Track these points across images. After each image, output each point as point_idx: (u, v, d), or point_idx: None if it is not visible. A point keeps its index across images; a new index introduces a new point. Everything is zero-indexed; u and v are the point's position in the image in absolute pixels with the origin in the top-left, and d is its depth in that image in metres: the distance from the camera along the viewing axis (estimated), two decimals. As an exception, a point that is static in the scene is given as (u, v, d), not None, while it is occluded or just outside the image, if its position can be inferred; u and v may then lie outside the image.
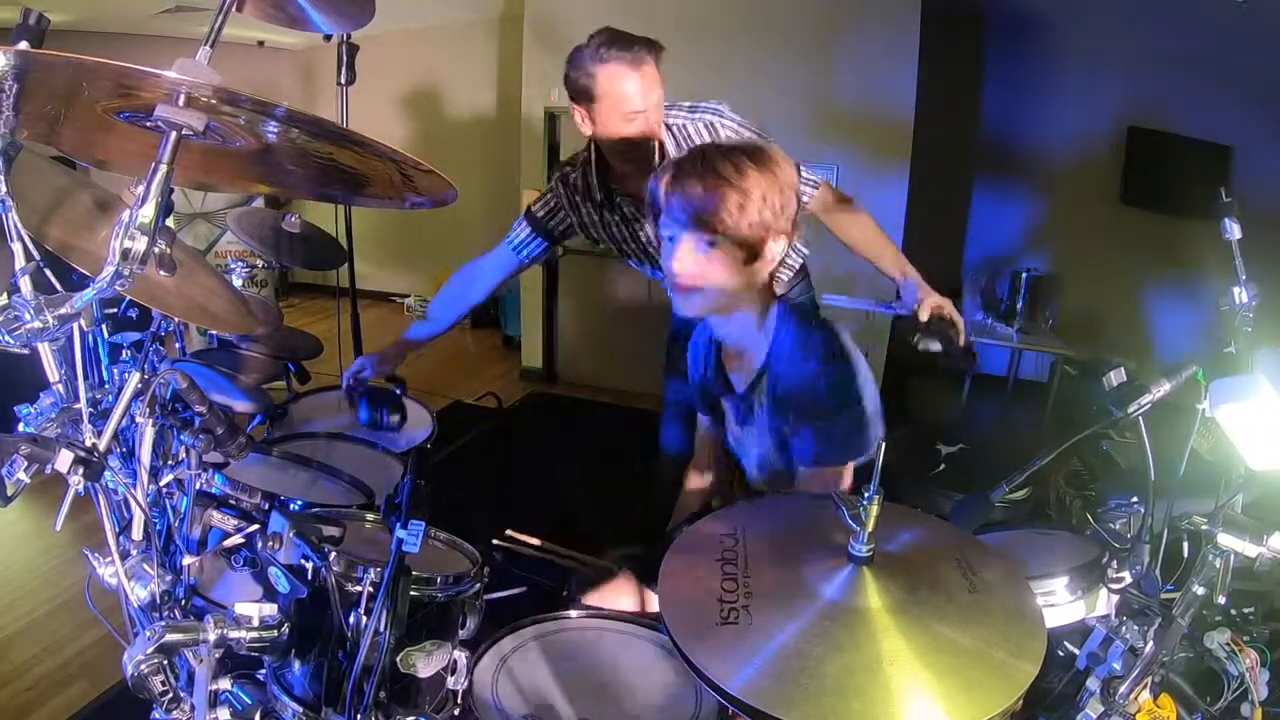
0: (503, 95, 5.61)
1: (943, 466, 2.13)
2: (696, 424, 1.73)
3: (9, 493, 0.89)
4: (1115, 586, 1.17)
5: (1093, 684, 1.09)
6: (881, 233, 1.92)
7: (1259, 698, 1.14)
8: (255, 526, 1.26)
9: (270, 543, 1.06)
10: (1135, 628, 1.08)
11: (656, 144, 1.75)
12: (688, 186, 1.26)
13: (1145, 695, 1.07)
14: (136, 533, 1.20)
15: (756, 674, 0.78)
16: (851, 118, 3.93)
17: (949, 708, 0.75)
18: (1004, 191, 4.57)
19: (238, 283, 2.82)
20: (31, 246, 0.99)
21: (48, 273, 1.01)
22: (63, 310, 0.84)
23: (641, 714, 1.11)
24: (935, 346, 1.57)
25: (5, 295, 0.86)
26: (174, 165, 0.82)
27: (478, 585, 1.15)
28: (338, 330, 3.50)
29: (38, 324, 0.83)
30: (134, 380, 1.09)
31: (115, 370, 1.37)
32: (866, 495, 0.88)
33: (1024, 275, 4.15)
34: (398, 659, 1.03)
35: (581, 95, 1.71)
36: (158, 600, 1.18)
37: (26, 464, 0.88)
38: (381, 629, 0.94)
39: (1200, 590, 1.05)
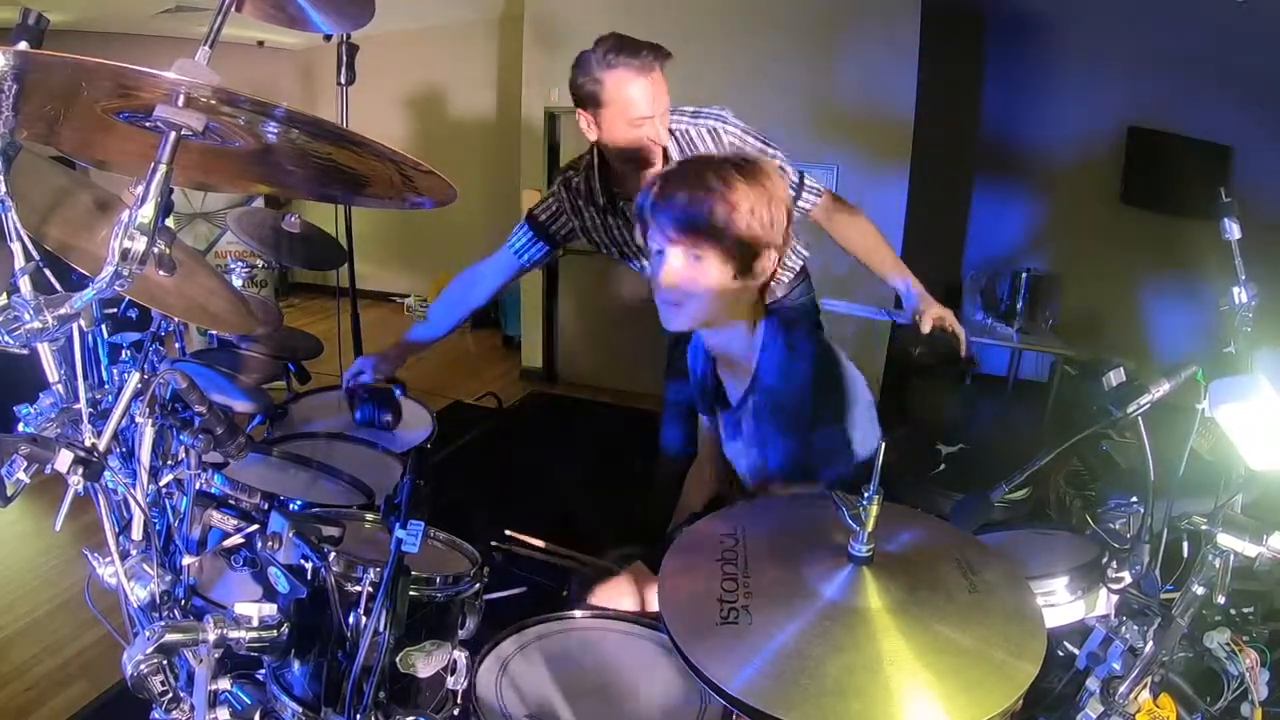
0: (503, 95, 5.61)
1: (943, 466, 2.13)
2: (697, 424, 1.73)
3: (9, 493, 0.89)
4: (1115, 586, 1.17)
5: (1092, 684, 1.09)
6: (884, 241, 1.92)
7: (1259, 698, 1.13)
8: (255, 526, 1.26)
9: (270, 543, 1.06)
10: (1135, 628, 1.08)
11: (660, 149, 1.75)
12: (675, 199, 1.24)
13: (1145, 695, 1.07)
14: (136, 533, 1.20)
15: (756, 674, 0.78)
16: (851, 118, 3.93)
17: (949, 708, 0.75)
18: (1004, 191, 4.57)
19: (238, 283, 2.82)
20: (31, 246, 0.99)
21: (47, 273, 1.00)
22: (62, 310, 0.85)
23: (645, 715, 1.11)
24: (931, 358, 1.56)
25: (5, 295, 0.86)
26: (173, 165, 0.82)
27: (477, 585, 1.15)
28: (338, 330, 3.50)
29: (37, 324, 0.83)
30: (134, 380, 1.09)
31: (115, 370, 1.36)
32: (866, 495, 0.88)
33: (1024, 275, 4.15)
34: (397, 659, 1.03)
35: (588, 100, 1.70)
36: (157, 600, 1.18)
37: (26, 464, 0.88)
38: (381, 629, 0.94)
39: (1200, 590, 1.05)
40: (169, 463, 1.31)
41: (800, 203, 1.88)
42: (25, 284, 0.96)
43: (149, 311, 1.21)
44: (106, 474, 1.10)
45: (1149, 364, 1.77)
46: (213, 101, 0.80)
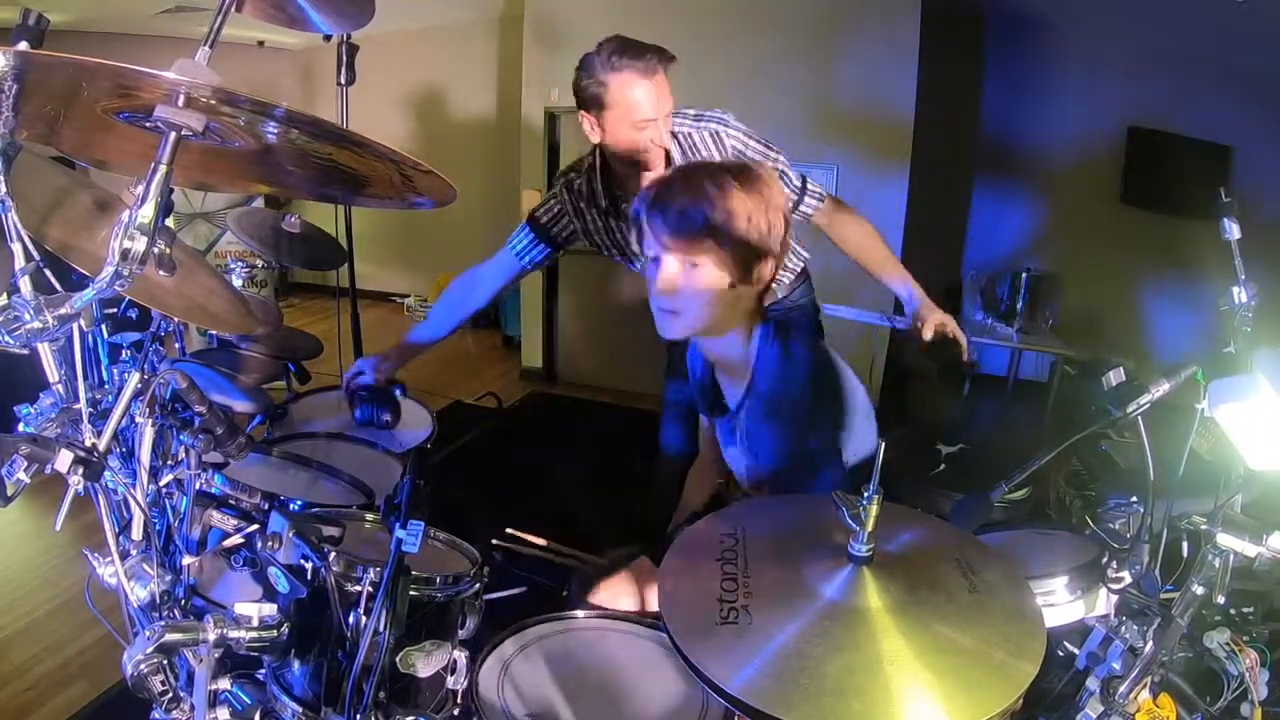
0: (503, 95, 5.61)
1: (943, 466, 2.13)
2: (697, 424, 1.73)
3: (9, 493, 0.89)
4: (1115, 586, 1.17)
5: (1092, 684, 1.09)
6: (885, 246, 1.92)
7: (1258, 697, 1.13)
8: (255, 526, 1.26)
9: (270, 543, 1.06)
10: (1135, 627, 1.08)
11: (663, 152, 1.75)
12: (671, 206, 1.23)
13: (1145, 695, 1.07)
14: (136, 533, 1.20)
15: (756, 674, 0.78)
16: (851, 118, 3.93)
17: (949, 708, 0.75)
18: (1004, 191, 4.57)
19: (238, 283, 2.82)
20: (31, 246, 0.99)
21: (47, 273, 1.01)
22: (62, 310, 0.85)
23: (646, 715, 1.11)
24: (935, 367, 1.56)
25: (5, 295, 0.86)
26: (173, 165, 0.82)
27: (477, 585, 1.15)
28: (338, 330, 3.50)
29: (37, 324, 0.83)
30: (134, 380, 1.09)
31: (115, 370, 1.36)
32: (866, 495, 0.88)
33: (1024, 275, 4.15)
34: (397, 659, 1.03)
35: (591, 103, 1.70)
36: (157, 600, 1.19)
37: (26, 464, 0.88)
38: (381, 629, 0.94)
39: (1200, 590, 1.05)
40: (169, 463, 1.31)
41: (802, 207, 1.88)
42: (25, 284, 0.96)
43: (149, 311, 1.21)
44: (106, 474, 1.10)
45: (1149, 364, 1.77)
46: (213, 102, 0.80)
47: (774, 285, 1.36)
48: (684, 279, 1.26)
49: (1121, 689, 1.05)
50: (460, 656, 1.12)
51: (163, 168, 0.81)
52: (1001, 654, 0.82)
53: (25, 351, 0.92)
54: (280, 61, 6.16)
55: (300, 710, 1.05)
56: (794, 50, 3.98)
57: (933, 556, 0.96)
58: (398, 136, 5.84)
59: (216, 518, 1.28)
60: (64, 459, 0.91)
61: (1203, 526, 1.05)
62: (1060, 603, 1.22)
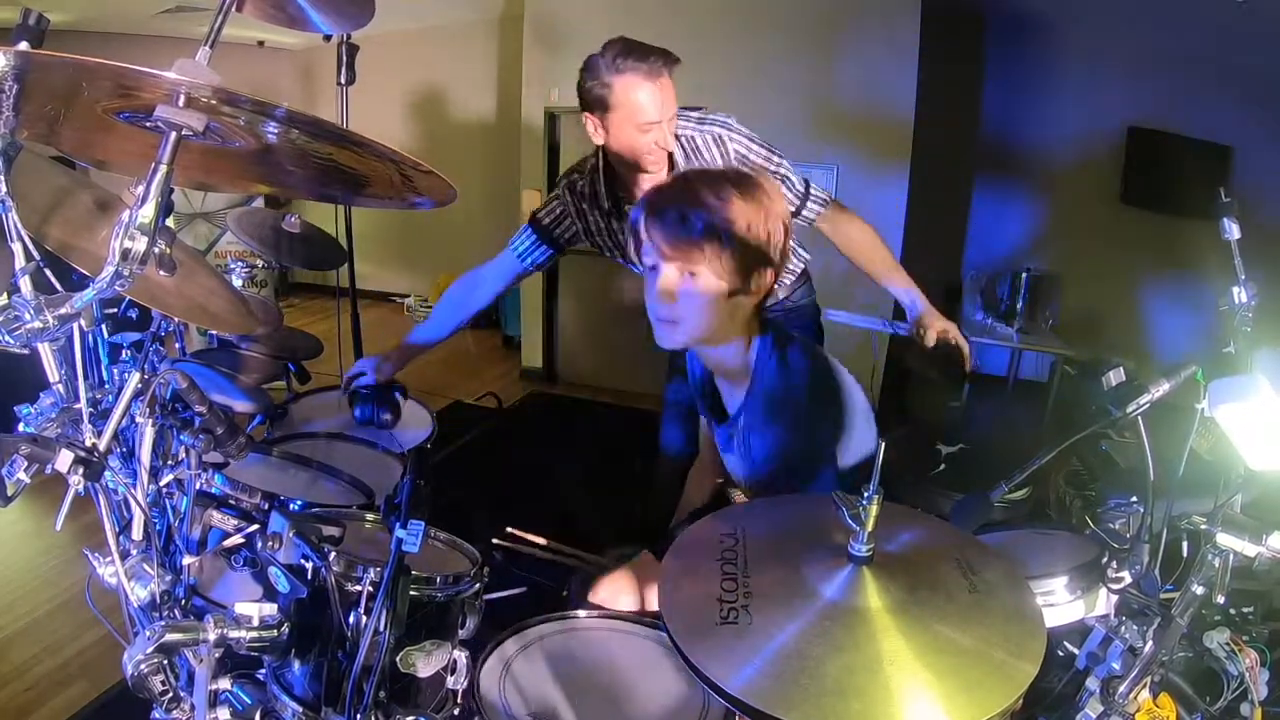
0: (503, 95, 5.61)
1: (943, 466, 2.12)
2: (698, 424, 1.73)
3: (9, 493, 0.89)
4: (1115, 586, 1.17)
5: (1092, 684, 1.09)
6: (889, 252, 1.92)
7: (1258, 697, 1.13)
8: (255, 526, 1.26)
9: (270, 543, 1.06)
10: (1135, 627, 1.08)
11: (666, 155, 1.75)
12: (669, 215, 1.21)
13: (1145, 695, 1.07)
14: (136, 533, 1.20)
15: (756, 674, 0.78)
16: (851, 118, 3.93)
17: (949, 708, 0.75)
18: (1004, 191, 4.57)
19: (238, 283, 2.83)
20: (31, 246, 0.99)
21: (48, 273, 1.01)
22: (63, 310, 0.85)
23: (647, 715, 1.11)
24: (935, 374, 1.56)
25: (5, 295, 0.86)
26: (174, 165, 0.82)
27: (477, 585, 1.15)
28: (338, 330, 3.50)
29: (38, 324, 0.83)
30: (134, 380, 1.09)
31: (115, 370, 1.36)
32: (866, 495, 0.88)
33: (1024, 275, 4.15)
34: (397, 659, 1.03)
35: (595, 104, 1.70)
36: (158, 600, 1.19)
37: (26, 464, 0.88)
38: (381, 629, 0.94)
39: (1199, 590, 1.05)
40: (169, 463, 1.31)
41: (805, 211, 1.88)
42: (26, 284, 0.96)
43: (149, 311, 1.21)
44: (107, 474, 1.10)
45: (1149, 364, 1.77)
46: (213, 101, 0.80)
47: (781, 278, 1.35)
48: (682, 288, 1.24)
49: (1121, 689, 1.05)
50: (460, 656, 1.12)
51: (163, 168, 0.81)
52: (1001, 654, 0.82)
53: (25, 351, 0.92)
54: (280, 61, 6.16)
55: (300, 710, 1.05)
56: (794, 50, 3.98)
57: (933, 556, 0.96)
58: (398, 136, 5.84)
59: (217, 518, 1.28)
60: (64, 459, 0.91)
61: (1203, 526, 1.05)
62: (1060, 603, 1.22)
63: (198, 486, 1.27)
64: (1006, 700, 0.77)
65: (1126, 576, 1.14)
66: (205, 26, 1.05)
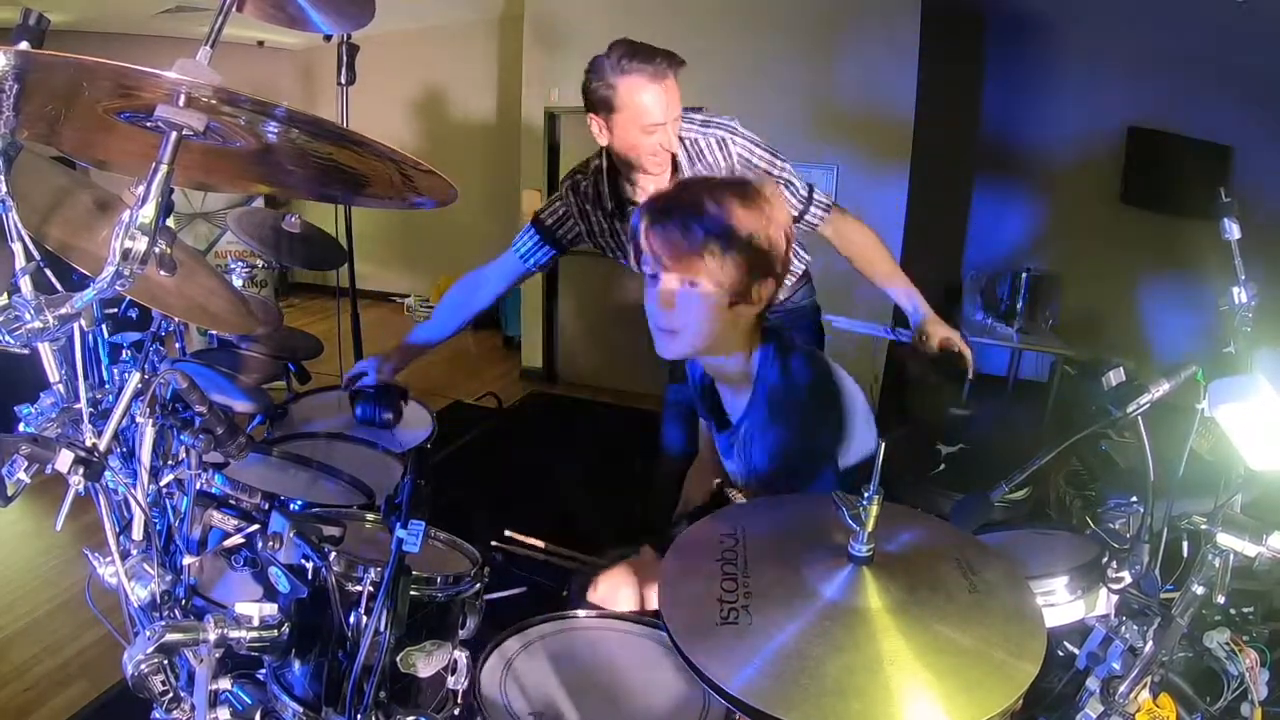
0: (503, 95, 5.62)
1: (943, 466, 2.13)
2: (698, 424, 1.73)
3: (9, 493, 0.89)
4: (1115, 586, 1.17)
5: (1092, 684, 1.09)
6: (891, 259, 1.92)
7: (1258, 697, 1.13)
8: (255, 526, 1.26)
9: (270, 543, 1.06)
10: (1135, 627, 1.08)
11: (670, 156, 1.75)
12: (669, 225, 1.20)
13: (1145, 695, 1.07)
14: (136, 533, 1.20)
15: (756, 674, 0.78)
16: (851, 118, 3.93)
17: (949, 708, 0.75)
18: (1004, 191, 4.57)
19: (238, 283, 2.82)
20: (31, 246, 0.99)
21: (48, 273, 1.01)
22: (63, 310, 0.84)
23: (648, 714, 1.11)
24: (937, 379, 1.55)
25: (5, 295, 0.86)
26: (174, 165, 0.82)
27: (478, 585, 1.15)
28: (338, 330, 3.50)
29: (38, 324, 0.83)
30: (134, 380, 1.09)
31: (115, 370, 1.37)
32: (866, 495, 0.88)
33: (1024, 275, 4.15)
34: (398, 659, 1.03)
35: (600, 105, 1.69)
36: (158, 600, 1.19)
37: (27, 464, 0.88)
38: (381, 629, 0.94)
39: (1200, 590, 1.05)
40: (169, 463, 1.31)
41: (808, 216, 1.87)
42: (26, 284, 0.96)
43: (149, 311, 1.21)
44: (107, 474, 1.10)
45: (1149, 364, 1.77)
46: (214, 101, 0.80)
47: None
48: (683, 298, 1.23)
49: (1121, 689, 1.05)
50: (461, 656, 1.12)
51: (164, 168, 0.81)
52: (1001, 654, 0.82)
53: (26, 351, 0.92)
54: (280, 61, 6.16)
55: (301, 710, 1.05)
56: (794, 50, 3.98)
57: (933, 556, 0.96)
58: (398, 136, 5.85)
59: (217, 518, 1.28)
60: (64, 459, 0.91)
61: (1203, 526, 1.05)
62: (1060, 603, 1.22)
63: (198, 486, 1.27)
64: (1006, 700, 0.77)
65: (1127, 576, 1.14)
66: (205, 26, 1.05)
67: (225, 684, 1.07)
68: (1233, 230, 1.16)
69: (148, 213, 0.81)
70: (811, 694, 0.76)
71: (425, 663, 1.06)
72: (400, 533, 0.96)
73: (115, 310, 1.51)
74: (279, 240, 2.54)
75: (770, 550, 0.98)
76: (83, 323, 1.05)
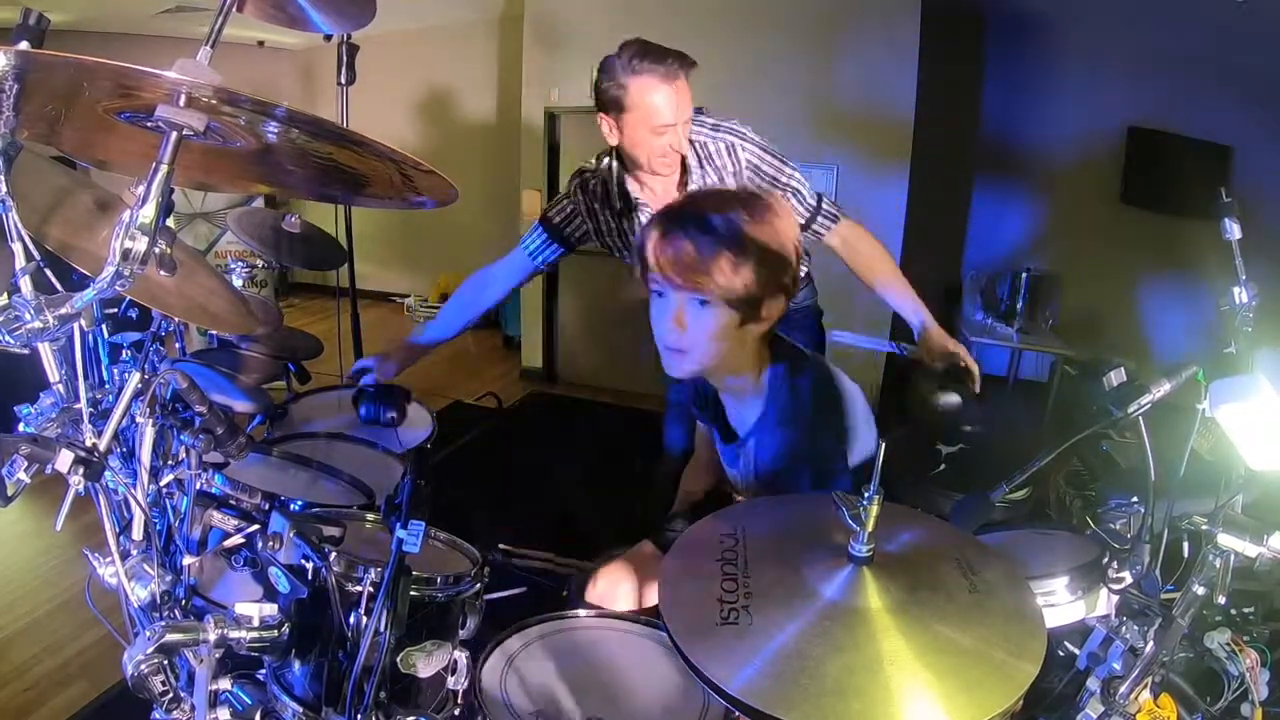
0: (503, 95, 5.62)
1: (943, 466, 2.13)
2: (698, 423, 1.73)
3: (9, 493, 0.89)
4: (1115, 586, 1.17)
5: (1093, 684, 1.09)
6: (897, 270, 1.91)
7: (1259, 698, 1.13)
8: (255, 526, 1.26)
9: (270, 543, 1.06)
10: (1135, 628, 1.07)
11: (680, 157, 1.75)
12: (678, 243, 1.17)
13: (1145, 695, 1.07)
14: (136, 533, 1.20)
15: (756, 674, 0.78)
16: (851, 118, 3.93)
17: (949, 708, 0.75)
18: (1004, 191, 4.57)
19: (238, 283, 2.82)
20: (31, 246, 0.99)
21: (48, 273, 1.01)
22: (63, 310, 0.84)
23: (648, 713, 1.11)
24: (954, 401, 1.54)
25: (5, 295, 0.86)
26: (174, 165, 0.82)
27: (478, 585, 1.15)
28: (338, 330, 3.51)
29: (38, 324, 0.83)
30: (134, 380, 1.09)
31: (115, 370, 1.37)
32: (866, 495, 0.88)
33: (1024, 275, 4.16)
34: (398, 659, 1.03)
35: (611, 105, 1.69)
36: (158, 600, 1.19)
37: (26, 464, 0.88)
38: (381, 629, 0.94)
39: (1200, 590, 1.05)
40: (169, 463, 1.31)
41: (814, 225, 1.87)
42: (26, 284, 0.96)
43: (149, 311, 1.21)
44: (107, 474, 1.10)
45: (1149, 364, 1.77)
46: (214, 101, 0.80)
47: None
48: (691, 316, 1.20)
49: (1122, 689, 1.05)
50: (461, 656, 1.12)
51: (164, 168, 0.81)
52: (1002, 654, 0.82)
53: (26, 351, 0.92)
54: (280, 61, 6.16)
55: (301, 710, 1.05)
56: (794, 50, 3.98)
57: (933, 556, 0.96)
58: (398, 136, 5.84)
59: (217, 518, 1.28)
60: (64, 459, 0.91)
61: (1203, 527, 1.05)
62: (1061, 603, 1.22)
63: (198, 486, 1.27)
64: (1007, 700, 0.77)
65: (1127, 577, 1.14)
66: (205, 26, 1.05)
67: (225, 684, 1.07)
68: (1233, 230, 1.16)
69: (148, 213, 0.81)
70: (811, 694, 0.76)
71: (425, 663, 1.06)
72: (400, 533, 0.95)
73: (115, 310, 1.51)
74: (279, 240, 2.54)
75: (770, 550, 0.98)
76: (83, 323, 1.05)
